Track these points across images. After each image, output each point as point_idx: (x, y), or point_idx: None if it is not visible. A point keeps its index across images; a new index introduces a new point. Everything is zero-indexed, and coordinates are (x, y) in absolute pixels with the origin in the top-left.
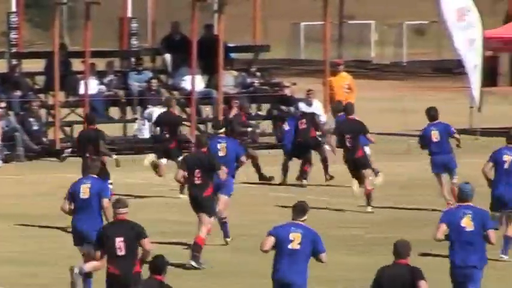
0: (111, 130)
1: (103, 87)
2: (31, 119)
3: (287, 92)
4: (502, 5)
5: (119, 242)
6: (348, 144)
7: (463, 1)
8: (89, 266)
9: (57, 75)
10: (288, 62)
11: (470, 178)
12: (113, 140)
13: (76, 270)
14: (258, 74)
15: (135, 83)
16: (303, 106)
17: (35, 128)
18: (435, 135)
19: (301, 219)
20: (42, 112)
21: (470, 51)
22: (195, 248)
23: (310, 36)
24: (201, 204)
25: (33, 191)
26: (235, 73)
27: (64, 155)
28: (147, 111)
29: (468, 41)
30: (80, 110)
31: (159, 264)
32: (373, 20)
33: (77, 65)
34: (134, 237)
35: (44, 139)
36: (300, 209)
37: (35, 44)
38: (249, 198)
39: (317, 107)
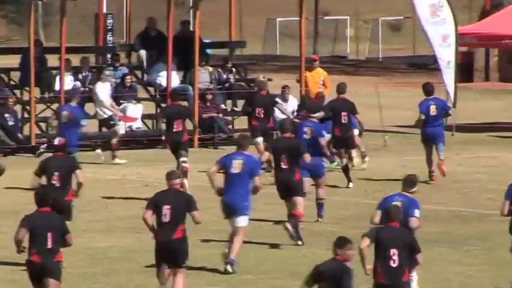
0: (87, 126)
1: (78, 83)
2: (6, 115)
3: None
4: (478, 0)
5: (166, 209)
6: (342, 121)
7: None
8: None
9: (33, 71)
10: (263, 58)
11: (447, 173)
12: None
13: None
14: (234, 70)
15: (111, 79)
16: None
17: (11, 123)
18: (433, 109)
19: (411, 190)
20: (18, 108)
21: (443, 47)
22: (295, 223)
23: (285, 32)
24: (292, 189)
25: (9, 187)
26: (210, 69)
27: (40, 150)
28: (121, 107)
29: (442, 36)
30: (55, 106)
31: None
32: (348, 16)
33: (52, 61)
34: (183, 207)
35: (20, 135)
36: (409, 182)
37: (11, 40)
38: None
39: (292, 103)
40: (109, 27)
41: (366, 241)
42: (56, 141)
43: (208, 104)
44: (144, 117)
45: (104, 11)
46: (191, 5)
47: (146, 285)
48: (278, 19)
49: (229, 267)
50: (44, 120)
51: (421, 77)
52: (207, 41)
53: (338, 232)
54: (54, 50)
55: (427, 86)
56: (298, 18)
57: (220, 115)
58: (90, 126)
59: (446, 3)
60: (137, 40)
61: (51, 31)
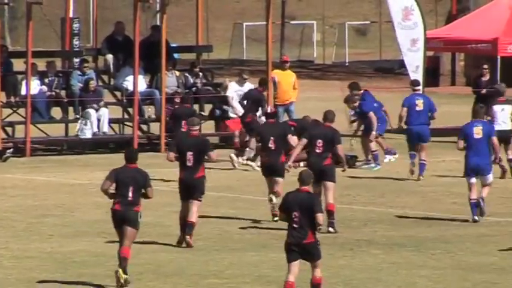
0: (53, 130)
1: (44, 88)
2: None
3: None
4: (445, 5)
5: (189, 155)
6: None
7: (408, 0)
8: None
9: None
10: (230, 62)
11: (413, 178)
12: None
13: None
14: (201, 74)
15: (78, 83)
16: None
17: None
18: (419, 104)
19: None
20: None
21: (412, 51)
22: (331, 216)
23: (252, 36)
24: (323, 174)
25: None
26: (177, 73)
27: (6, 155)
28: (85, 111)
29: (411, 41)
30: (21, 111)
31: (305, 178)
32: (315, 21)
33: (18, 65)
34: (203, 152)
35: None
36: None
37: None
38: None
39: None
40: (75, 32)
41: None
42: None
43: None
44: (111, 121)
45: (71, 15)
46: (158, 9)
47: None
48: (245, 23)
49: None
50: (10, 125)
51: (387, 81)
52: (174, 45)
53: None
54: (20, 54)
55: (415, 82)
56: (265, 23)
57: None
58: (56, 130)
59: (417, 7)
60: (104, 44)
61: (17, 35)
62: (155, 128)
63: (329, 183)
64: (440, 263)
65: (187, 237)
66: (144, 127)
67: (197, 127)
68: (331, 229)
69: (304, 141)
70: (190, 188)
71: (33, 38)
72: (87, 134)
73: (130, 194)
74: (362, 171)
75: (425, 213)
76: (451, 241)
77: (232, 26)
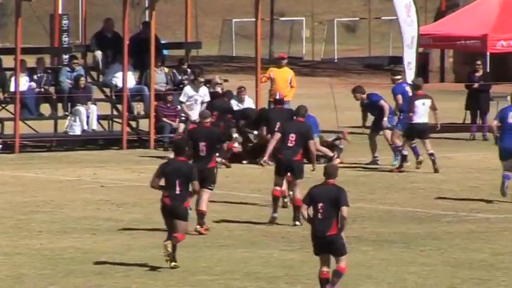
0: (42, 127)
1: (33, 84)
2: None
3: (219, 89)
4: (434, 1)
5: (202, 145)
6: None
7: None
8: None
9: None
10: (219, 59)
11: (402, 174)
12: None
13: None
14: (189, 70)
15: (67, 80)
16: (234, 103)
17: None
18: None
19: None
20: None
21: (409, 48)
22: (298, 210)
23: (241, 33)
24: (292, 169)
25: None
26: (166, 70)
27: None
28: (74, 108)
29: (411, 38)
30: (10, 107)
31: (331, 171)
32: (304, 17)
33: (7, 61)
34: (216, 142)
35: None
36: None
37: None
38: None
39: (249, 104)
40: (64, 28)
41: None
42: None
43: (169, 105)
44: (100, 118)
45: (60, 11)
46: (147, 5)
47: (102, 286)
48: (234, 20)
49: None
50: (0, 121)
51: (377, 78)
52: (163, 41)
53: (294, 233)
54: (9, 50)
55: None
56: (254, 19)
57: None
58: (45, 126)
59: (413, 5)
60: (93, 41)
61: (6, 32)
62: (144, 124)
63: (296, 180)
64: (430, 260)
65: (198, 227)
66: (134, 123)
67: (209, 119)
68: (297, 223)
69: (278, 135)
70: (202, 177)
71: (22, 35)
72: (76, 131)
73: (177, 187)
74: (352, 169)
75: (415, 209)
76: (440, 238)
77: (221, 23)
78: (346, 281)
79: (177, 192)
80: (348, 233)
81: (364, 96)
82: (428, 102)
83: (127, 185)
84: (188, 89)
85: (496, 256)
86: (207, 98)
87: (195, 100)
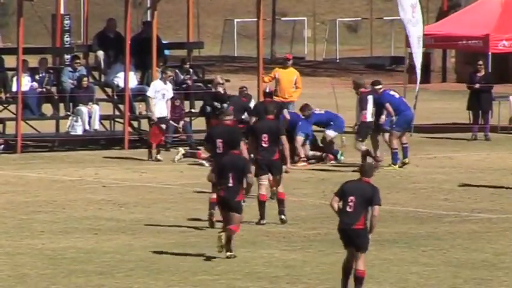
0: (44, 127)
1: (35, 84)
2: None
3: (220, 89)
4: (436, 1)
5: (219, 142)
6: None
7: None
8: None
9: None
10: (221, 59)
11: (404, 174)
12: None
13: None
14: (191, 70)
15: (69, 80)
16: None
17: None
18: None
19: None
20: None
21: (418, 48)
22: (282, 204)
23: (243, 33)
24: (272, 168)
25: None
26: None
27: None
28: (77, 108)
29: (417, 38)
30: (12, 107)
31: (367, 170)
32: (306, 17)
33: (9, 61)
34: (234, 140)
35: None
36: None
37: None
38: (192, 195)
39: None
40: (66, 28)
41: None
42: None
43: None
44: (102, 118)
45: (62, 11)
46: (149, 5)
47: (104, 286)
48: (236, 20)
49: None
50: (1, 121)
51: (378, 78)
52: (164, 41)
53: (295, 233)
54: (11, 50)
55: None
56: (255, 19)
57: (187, 119)
58: (47, 127)
59: (418, 5)
60: (95, 41)
61: (8, 32)
62: (146, 124)
63: (277, 178)
64: (432, 260)
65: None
66: (135, 124)
67: (230, 117)
68: (283, 216)
69: (251, 139)
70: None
71: (24, 35)
72: (78, 131)
73: (230, 180)
74: (353, 168)
75: (417, 209)
76: (442, 238)
77: (223, 23)
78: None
79: (230, 185)
80: None
81: (381, 91)
82: (370, 99)
83: (129, 185)
84: (157, 84)
85: (498, 256)
86: (171, 94)
87: (162, 95)
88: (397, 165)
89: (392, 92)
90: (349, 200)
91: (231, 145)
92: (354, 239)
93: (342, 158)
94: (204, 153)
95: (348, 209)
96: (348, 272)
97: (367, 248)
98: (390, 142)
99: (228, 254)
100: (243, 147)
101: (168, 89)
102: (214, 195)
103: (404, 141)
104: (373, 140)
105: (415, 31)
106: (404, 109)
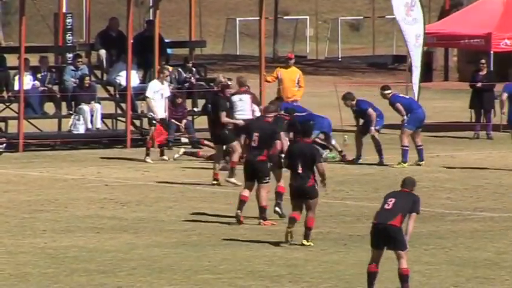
0: (46, 126)
1: (37, 83)
2: None
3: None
4: (438, 0)
5: (255, 136)
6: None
7: None
8: None
9: None
10: (223, 58)
11: (406, 173)
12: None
13: None
14: (194, 69)
15: (71, 78)
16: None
17: None
18: None
19: None
20: None
21: (416, 47)
22: (279, 197)
23: (245, 31)
24: (255, 172)
25: None
26: (170, 69)
27: None
28: (79, 107)
29: (415, 36)
30: (14, 106)
31: (408, 183)
32: (308, 16)
33: (11, 60)
34: (270, 135)
35: None
36: None
37: None
38: (194, 194)
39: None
40: (69, 27)
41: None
42: None
43: (178, 107)
44: (104, 116)
45: (64, 10)
46: (151, 4)
47: (106, 285)
48: (238, 19)
49: None
50: (3, 120)
51: (380, 77)
52: (167, 40)
53: (297, 232)
54: (13, 49)
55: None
56: (258, 18)
57: (189, 118)
58: (49, 125)
59: (418, 3)
60: (97, 39)
61: (10, 30)
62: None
63: (261, 184)
64: (434, 258)
65: (261, 221)
66: (137, 122)
67: (272, 114)
68: (277, 208)
69: (243, 136)
70: (253, 170)
71: (26, 33)
72: (80, 129)
73: (300, 168)
74: (354, 165)
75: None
76: (444, 236)
77: (225, 21)
78: (350, 279)
79: (299, 171)
80: (351, 231)
81: (354, 102)
82: (247, 98)
83: (131, 183)
84: (154, 84)
85: (500, 255)
86: (168, 93)
87: (160, 95)
88: (406, 164)
89: (401, 95)
90: (389, 200)
91: (265, 141)
92: (389, 237)
93: (329, 156)
94: (203, 152)
95: (386, 207)
96: (373, 275)
97: (406, 245)
98: (401, 139)
99: (305, 242)
100: (279, 142)
101: (165, 89)
102: (245, 193)
103: (419, 142)
104: (357, 141)
105: (412, 30)
106: (416, 107)
